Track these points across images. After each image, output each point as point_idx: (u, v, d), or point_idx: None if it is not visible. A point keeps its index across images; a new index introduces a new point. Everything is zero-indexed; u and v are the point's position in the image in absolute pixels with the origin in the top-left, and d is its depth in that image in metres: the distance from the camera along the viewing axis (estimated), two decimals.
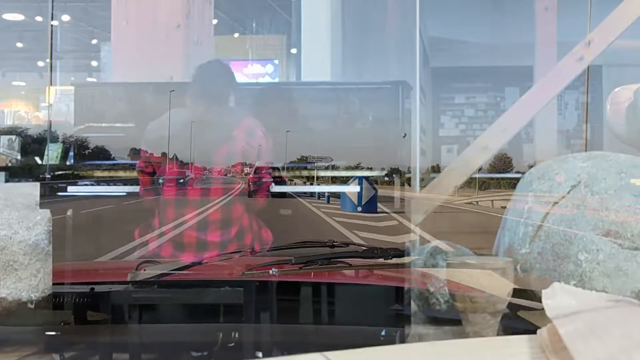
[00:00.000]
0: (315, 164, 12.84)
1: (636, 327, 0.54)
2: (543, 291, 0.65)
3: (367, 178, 10.52)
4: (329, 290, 1.08)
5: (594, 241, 0.74)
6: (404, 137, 9.90)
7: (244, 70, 12.20)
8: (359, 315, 1.04)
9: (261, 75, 12.43)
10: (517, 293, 1.03)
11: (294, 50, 11.95)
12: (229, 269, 1.24)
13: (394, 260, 1.16)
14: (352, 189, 10.35)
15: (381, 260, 1.15)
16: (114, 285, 1.00)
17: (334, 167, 12.87)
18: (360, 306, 1.05)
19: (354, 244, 1.29)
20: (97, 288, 0.98)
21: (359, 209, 10.16)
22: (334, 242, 1.26)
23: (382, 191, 11.02)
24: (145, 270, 1.08)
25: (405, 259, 1.17)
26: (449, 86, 10.63)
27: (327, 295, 1.07)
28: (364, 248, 1.21)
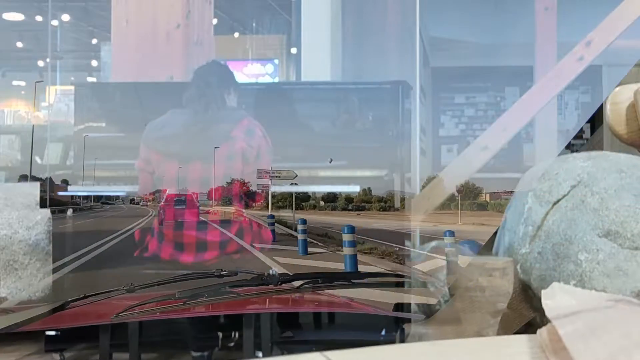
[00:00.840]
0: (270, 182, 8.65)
1: (636, 327, 0.54)
2: (543, 291, 0.65)
3: None
4: (216, 323, 1.02)
5: (594, 241, 0.74)
6: (329, 162, 8.85)
7: (244, 70, 12.20)
8: (250, 345, 0.97)
9: (261, 75, 12.43)
10: (398, 306, 1.05)
11: (294, 50, 11.95)
12: (100, 312, 1.11)
13: (283, 286, 1.14)
14: None
15: (271, 286, 1.13)
16: None
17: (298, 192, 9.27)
18: (249, 335, 0.99)
19: (244, 271, 1.23)
20: None
21: None
22: (221, 271, 1.21)
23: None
24: None
25: (295, 283, 1.16)
26: (449, 86, 10.62)
27: (214, 329, 1.01)
28: (253, 275, 1.17)
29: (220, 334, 1.00)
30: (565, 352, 0.52)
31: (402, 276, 1.17)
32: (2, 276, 0.80)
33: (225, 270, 1.21)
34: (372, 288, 1.19)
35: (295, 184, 8.55)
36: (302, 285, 1.15)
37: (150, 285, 1.22)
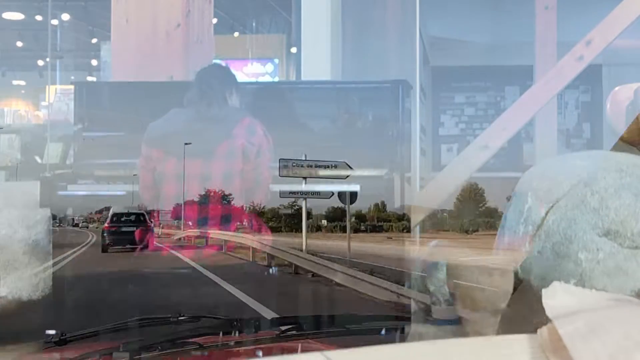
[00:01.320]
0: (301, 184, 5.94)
1: (636, 327, 0.54)
2: (543, 290, 0.65)
3: None
4: None
5: (593, 240, 0.74)
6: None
7: (244, 69, 12.20)
8: None
9: (261, 74, 12.43)
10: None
11: (293, 50, 11.95)
12: None
13: (261, 333, 0.93)
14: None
15: (244, 334, 0.92)
16: None
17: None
18: None
19: (208, 316, 1.00)
20: None
21: None
22: (179, 316, 0.97)
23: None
24: None
25: (282, 327, 0.95)
26: (449, 85, 10.62)
27: None
28: (222, 320, 0.96)
29: None
30: (566, 351, 0.52)
31: (402, 318, 0.99)
32: (2, 275, 0.80)
33: (184, 315, 0.97)
34: (370, 335, 1.00)
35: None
36: (285, 331, 0.94)
37: (87, 336, 0.96)
